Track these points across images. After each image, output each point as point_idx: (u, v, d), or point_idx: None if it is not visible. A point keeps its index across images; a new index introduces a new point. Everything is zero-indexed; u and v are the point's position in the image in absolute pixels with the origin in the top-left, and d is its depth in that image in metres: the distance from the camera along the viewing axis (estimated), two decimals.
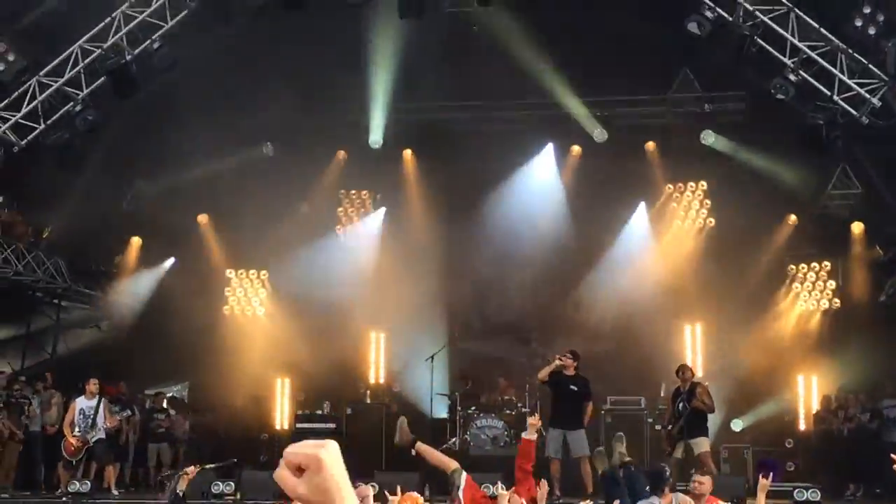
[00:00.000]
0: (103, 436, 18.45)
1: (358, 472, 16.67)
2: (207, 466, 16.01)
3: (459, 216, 22.49)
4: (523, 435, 12.49)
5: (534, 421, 12.29)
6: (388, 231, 23.54)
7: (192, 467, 13.54)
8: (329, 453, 2.04)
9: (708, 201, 22.83)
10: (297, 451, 2.03)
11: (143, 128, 19.87)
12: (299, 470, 2.05)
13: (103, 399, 18.71)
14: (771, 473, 10.99)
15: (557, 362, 17.85)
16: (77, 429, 18.32)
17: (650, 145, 22.53)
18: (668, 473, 12.94)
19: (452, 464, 11.19)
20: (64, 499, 17.53)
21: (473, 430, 20.83)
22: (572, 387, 17.86)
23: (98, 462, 18.83)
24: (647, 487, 12.74)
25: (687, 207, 22.96)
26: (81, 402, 18.53)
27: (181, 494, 12.73)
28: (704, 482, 13.09)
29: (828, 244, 22.08)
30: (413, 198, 23.23)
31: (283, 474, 2.06)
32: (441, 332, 22.33)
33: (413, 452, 12.90)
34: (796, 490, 17.08)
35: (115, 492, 18.33)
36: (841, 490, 18.76)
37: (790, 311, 22.33)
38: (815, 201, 21.44)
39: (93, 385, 18.58)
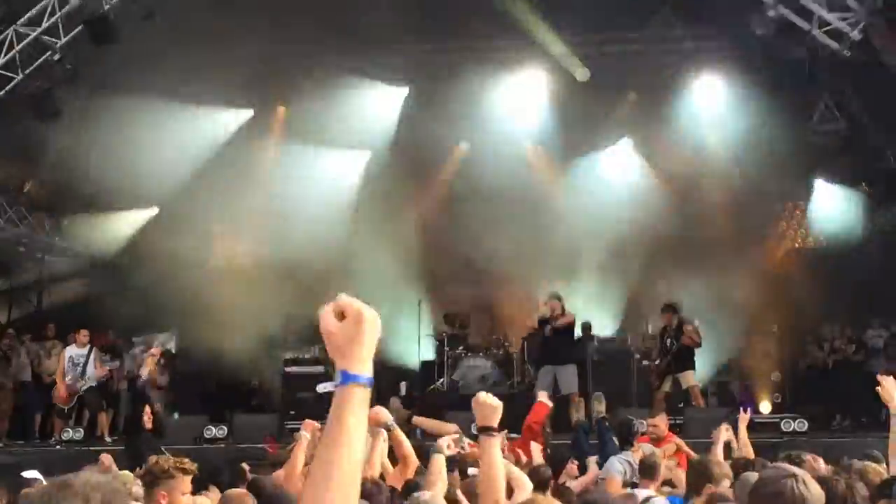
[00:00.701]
0: (94, 384, 18.55)
1: None
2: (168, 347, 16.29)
3: (442, 156, 22.44)
4: (539, 398, 12.42)
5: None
6: (374, 176, 23.45)
7: (155, 348, 13.66)
8: (372, 316, 2.61)
9: (691, 140, 22.76)
10: (349, 300, 2.61)
11: (121, 76, 19.68)
12: (342, 316, 2.58)
13: (94, 348, 18.77)
14: (748, 406, 11.20)
15: (543, 308, 18.00)
16: (68, 377, 18.41)
17: (631, 89, 22.38)
18: (635, 427, 13.07)
19: (451, 427, 11.07)
20: (57, 447, 17.62)
21: (462, 369, 20.94)
22: (560, 324, 18.04)
23: (90, 410, 18.94)
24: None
25: (668, 147, 22.88)
26: (71, 351, 18.64)
27: (147, 378, 12.79)
28: (658, 424, 13.27)
29: (812, 180, 22.07)
30: (398, 142, 23.12)
31: (326, 311, 2.60)
32: (429, 273, 22.33)
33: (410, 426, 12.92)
34: (783, 421, 17.25)
35: (107, 439, 18.43)
36: (827, 420, 18.96)
37: (776, 248, 22.41)
38: (798, 138, 21.35)
39: (83, 335, 18.67)
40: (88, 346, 18.70)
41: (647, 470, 9.48)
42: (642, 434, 14.73)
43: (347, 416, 2.51)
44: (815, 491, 3.93)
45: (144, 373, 12.92)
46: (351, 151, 23.62)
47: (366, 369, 2.56)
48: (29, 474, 8.74)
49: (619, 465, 11.97)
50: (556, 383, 17.81)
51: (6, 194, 20.88)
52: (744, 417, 10.74)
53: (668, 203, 22.00)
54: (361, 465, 2.48)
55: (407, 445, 8.12)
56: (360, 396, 2.54)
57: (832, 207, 22.10)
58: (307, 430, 8.72)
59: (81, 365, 18.57)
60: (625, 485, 11.93)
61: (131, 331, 22.80)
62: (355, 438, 2.50)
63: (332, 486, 2.44)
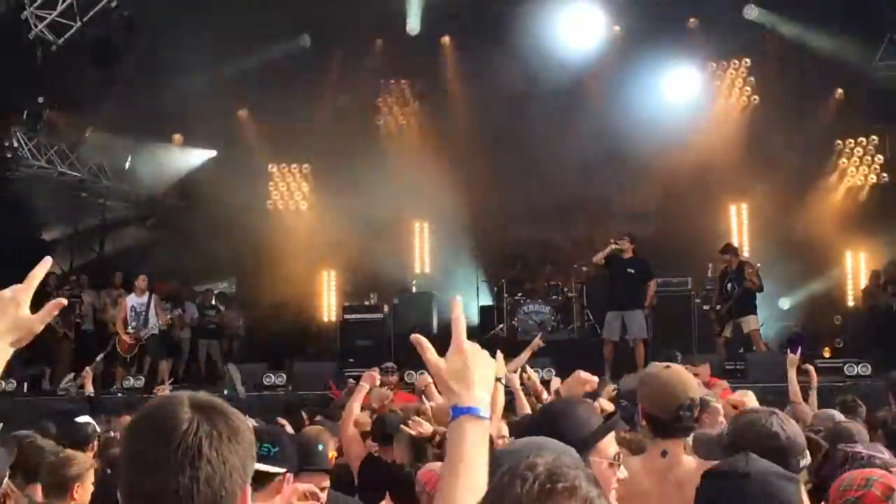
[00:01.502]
0: (156, 332, 18.72)
1: (407, 362, 16.87)
2: (96, 359, 16.44)
3: (500, 101, 22.25)
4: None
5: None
6: (429, 120, 23.35)
7: (87, 368, 13.88)
8: (473, 350, 2.72)
9: (752, 78, 22.43)
10: (456, 333, 2.76)
11: (179, 23, 19.67)
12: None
13: (153, 296, 18.91)
14: (798, 348, 10.83)
15: (614, 246, 17.91)
16: (129, 326, 18.58)
17: (692, 22, 22.04)
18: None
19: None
20: (119, 394, 17.82)
21: (520, 315, 20.92)
22: (629, 269, 17.97)
23: (152, 358, 19.13)
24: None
25: (731, 85, 22.58)
26: (132, 300, 18.78)
27: (91, 395, 13.03)
28: (699, 372, 13.08)
29: (877, 117, 21.64)
30: (453, 86, 22.98)
31: (426, 348, 2.77)
32: (486, 218, 22.24)
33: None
34: (846, 365, 17.07)
35: (168, 386, 18.61)
36: (891, 364, 18.69)
37: (838, 187, 22.07)
38: (863, 73, 20.92)
39: (142, 282, 18.80)
40: (148, 295, 18.83)
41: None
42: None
43: (464, 449, 2.60)
44: (791, 430, 4.25)
45: (88, 390, 13.15)
46: (406, 88, 23.51)
47: (475, 402, 2.64)
48: (82, 419, 8.85)
49: None
50: (625, 328, 17.84)
51: (67, 141, 20.99)
52: (792, 359, 10.44)
53: (731, 140, 21.69)
54: (473, 492, 2.50)
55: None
56: (474, 428, 2.62)
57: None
58: (367, 382, 8.72)
59: (143, 313, 18.71)
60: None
61: (192, 277, 22.98)
62: (474, 468, 2.58)
63: None
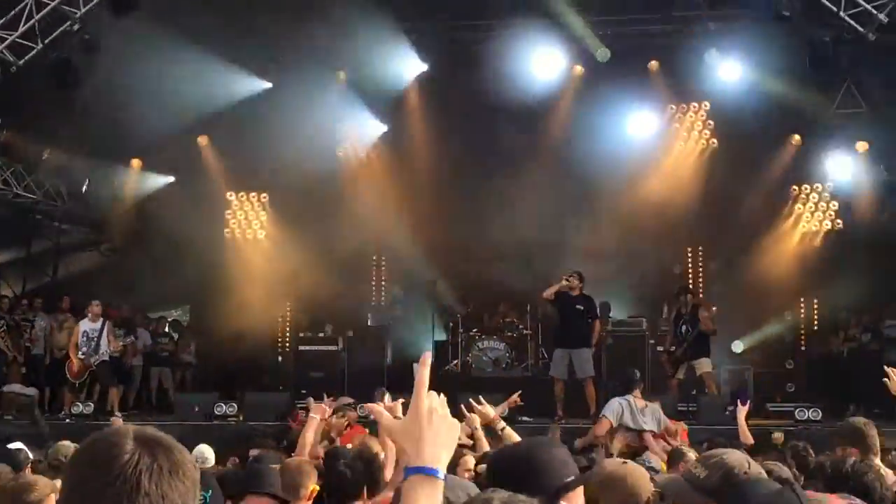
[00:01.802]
0: (107, 358, 18.55)
1: (360, 394, 16.80)
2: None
3: (459, 138, 22.31)
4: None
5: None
6: (388, 152, 23.32)
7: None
8: (437, 416, 2.71)
9: (711, 122, 22.57)
10: (419, 397, 2.73)
11: (141, 46, 19.61)
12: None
13: (107, 322, 18.76)
14: (747, 400, 11.49)
15: (564, 282, 17.97)
16: (80, 351, 18.41)
17: (653, 65, 22.18)
18: (637, 375, 13.23)
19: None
20: (67, 420, 17.63)
21: (475, 351, 20.92)
22: (578, 306, 18.05)
23: (102, 384, 18.96)
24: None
25: (690, 128, 22.72)
26: (85, 325, 18.63)
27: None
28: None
29: (831, 165, 21.85)
30: (414, 119, 22.98)
31: (378, 411, 2.90)
32: (441, 255, 22.24)
33: None
34: (798, 409, 17.19)
35: (117, 413, 18.42)
36: (841, 410, 18.80)
37: (793, 232, 22.23)
38: (820, 120, 21.12)
39: (95, 307, 18.65)
40: (101, 320, 18.69)
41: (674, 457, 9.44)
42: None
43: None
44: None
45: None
46: (369, 122, 23.41)
47: (427, 461, 2.64)
48: (14, 445, 8.79)
49: (617, 405, 12.14)
50: (571, 366, 17.89)
51: (24, 162, 20.84)
52: (742, 409, 10.85)
53: (689, 182, 21.79)
54: None
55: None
56: (424, 488, 2.61)
57: (852, 192, 21.87)
58: (317, 413, 8.68)
59: (95, 339, 18.55)
60: (620, 426, 12.11)
61: (146, 304, 22.81)
62: None
63: None
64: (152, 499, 2.28)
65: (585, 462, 6.16)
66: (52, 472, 8.20)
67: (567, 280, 18.08)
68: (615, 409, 12.54)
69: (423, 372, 2.76)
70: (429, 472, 2.61)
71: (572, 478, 3.79)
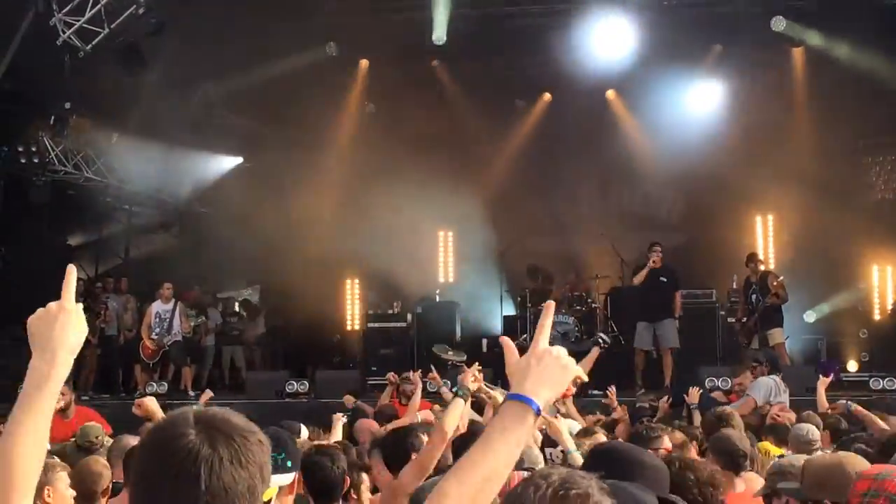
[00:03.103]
0: (180, 339, 18.80)
1: (429, 371, 16.83)
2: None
3: (524, 112, 22.25)
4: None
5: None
6: (455, 131, 23.29)
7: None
8: (542, 354, 2.89)
9: (779, 91, 22.24)
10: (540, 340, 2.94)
11: (207, 29, 19.72)
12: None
13: (179, 303, 18.99)
14: (831, 374, 11.28)
15: (651, 263, 17.93)
16: (153, 332, 18.66)
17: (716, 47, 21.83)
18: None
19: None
20: None
21: None
22: (661, 278, 18.09)
23: (175, 364, 19.19)
24: None
25: (758, 98, 22.40)
26: (157, 307, 18.89)
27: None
28: (743, 381, 13.26)
29: None
30: (477, 95, 22.90)
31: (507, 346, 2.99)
32: (509, 228, 22.20)
33: None
34: (872, 379, 16.99)
35: (191, 393, 18.64)
36: None
37: (865, 201, 21.90)
38: (893, 87, 20.73)
39: (167, 289, 18.93)
40: (173, 302, 18.95)
41: None
42: (728, 392, 14.64)
43: (495, 427, 2.72)
44: None
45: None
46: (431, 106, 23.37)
47: (528, 393, 2.77)
48: None
49: (766, 386, 12.01)
50: (656, 337, 17.97)
51: (94, 146, 21.06)
52: (823, 381, 10.73)
53: (758, 151, 21.52)
54: (500, 473, 2.64)
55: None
56: (513, 412, 2.73)
57: None
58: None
59: (168, 320, 18.81)
60: (765, 404, 11.93)
61: (216, 285, 23.00)
62: (496, 448, 2.66)
63: (466, 480, 2.61)
64: (213, 492, 2.31)
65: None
66: (81, 453, 8.31)
67: (654, 261, 18.08)
68: (764, 389, 12.38)
69: (546, 319, 3.01)
70: (525, 400, 2.73)
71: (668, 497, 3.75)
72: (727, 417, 8.84)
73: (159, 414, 6.76)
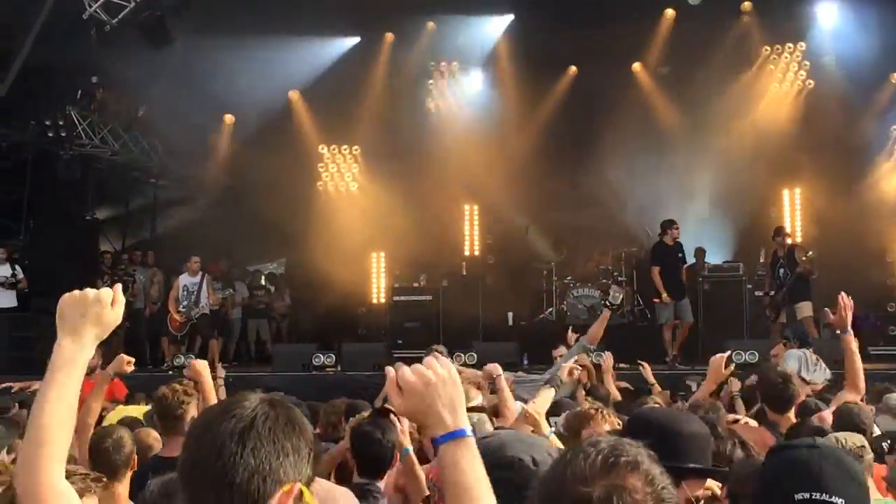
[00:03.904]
0: (207, 311, 18.90)
1: (455, 344, 16.91)
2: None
3: (549, 86, 22.20)
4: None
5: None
6: (479, 101, 23.27)
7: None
8: (434, 380, 2.66)
9: (807, 62, 22.11)
10: (405, 372, 2.64)
11: (231, 4, 19.73)
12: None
13: (206, 276, 19.10)
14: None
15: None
16: (181, 305, 18.77)
17: (746, 5, 21.79)
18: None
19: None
20: (170, 372, 17.94)
21: (570, 299, 20.86)
22: (679, 254, 18.32)
23: (202, 337, 19.29)
24: None
25: (785, 69, 22.28)
26: (185, 280, 19.02)
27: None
28: (777, 353, 13.13)
29: None
30: (503, 69, 22.87)
31: (390, 387, 2.69)
32: (534, 202, 22.16)
33: None
34: None
35: (218, 365, 18.72)
36: None
37: (892, 174, 21.75)
38: None
39: (194, 263, 19.05)
40: (201, 274, 19.06)
41: None
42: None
43: (456, 477, 2.57)
44: None
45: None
46: (458, 73, 23.37)
47: (446, 427, 2.62)
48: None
49: (794, 359, 11.92)
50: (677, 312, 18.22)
51: (120, 120, 21.14)
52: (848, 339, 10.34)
53: (785, 124, 21.41)
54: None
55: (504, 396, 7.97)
56: (455, 452, 2.60)
57: None
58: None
59: (195, 293, 18.93)
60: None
61: (242, 258, 23.08)
62: (470, 493, 2.56)
63: None
64: (263, 438, 2.42)
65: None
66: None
67: (675, 234, 18.36)
68: (795, 360, 12.31)
69: (391, 373, 2.69)
70: (453, 437, 2.60)
71: (706, 468, 3.72)
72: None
73: (207, 376, 6.97)
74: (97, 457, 5.98)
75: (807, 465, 2.94)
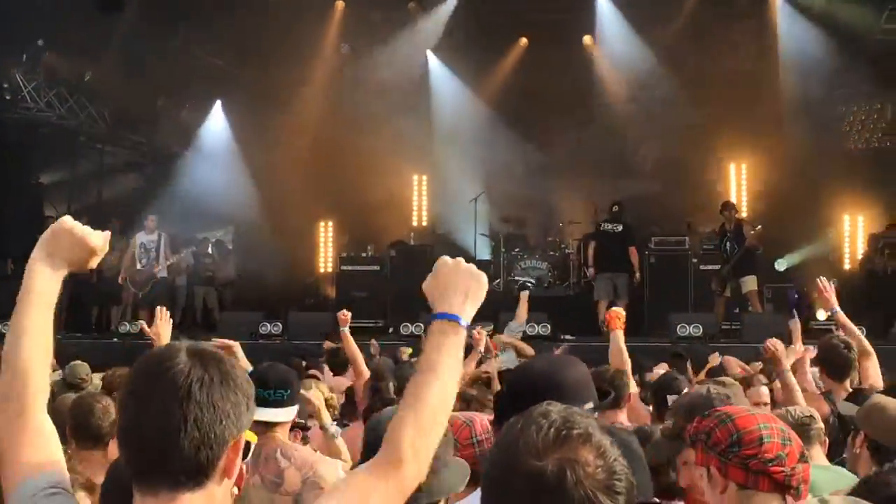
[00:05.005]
0: (165, 274, 18.90)
1: (402, 315, 16.94)
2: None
3: (500, 54, 22.20)
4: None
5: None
6: (427, 71, 23.20)
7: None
8: (462, 268, 3.01)
9: (756, 38, 22.20)
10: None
11: None
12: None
13: (163, 235, 19.09)
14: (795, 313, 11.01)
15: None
16: (140, 263, 18.75)
17: None
18: None
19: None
20: (115, 339, 17.85)
21: (518, 271, 20.94)
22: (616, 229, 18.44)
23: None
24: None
25: (735, 44, 22.34)
26: (142, 237, 19.04)
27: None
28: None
29: (880, 82, 21.48)
30: (453, 35, 22.77)
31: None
32: (483, 173, 22.17)
33: None
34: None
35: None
36: (885, 328, 18.73)
37: (838, 151, 21.94)
38: (867, 37, 20.74)
39: (151, 220, 19.09)
40: (157, 233, 19.06)
41: None
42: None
43: (432, 350, 2.84)
44: None
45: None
46: (409, 50, 23.26)
47: (447, 308, 2.90)
48: None
49: None
50: (615, 290, 18.27)
51: (66, 85, 20.90)
52: (796, 323, 10.46)
53: (733, 99, 21.50)
54: (449, 390, 2.81)
55: None
56: (442, 330, 2.87)
57: None
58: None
59: (154, 251, 18.93)
60: None
61: (190, 225, 22.92)
62: (439, 368, 2.81)
63: (422, 402, 2.77)
64: (202, 407, 2.41)
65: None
66: (69, 391, 8.33)
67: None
68: None
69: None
70: (450, 318, 2.87)
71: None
72: None
73: (164, 341, 6.87)
74: (83, 424, 5.90)
75: None
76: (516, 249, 21.49)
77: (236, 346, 6.96)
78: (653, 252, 20.09)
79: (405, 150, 21.43)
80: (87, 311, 20.53)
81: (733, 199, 20.98)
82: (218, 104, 23.25)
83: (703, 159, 21.54)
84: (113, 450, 5.83)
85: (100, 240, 3.04)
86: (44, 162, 22.81)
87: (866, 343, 7.97)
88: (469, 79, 22.45)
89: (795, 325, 9.42)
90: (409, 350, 12.59)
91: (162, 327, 6.96)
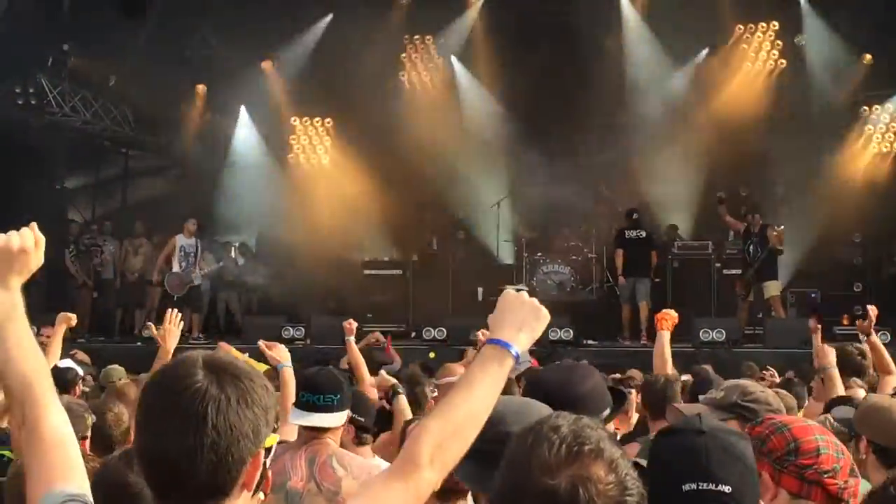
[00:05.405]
0: (199, 282, 18.99)
1: (425, 318, 16.95)
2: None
3: (523, 61, 22.16)
4: None
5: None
6: (452, 77, 23.20)
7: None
8: (521, 300, 3.06)
9: (779, 42, 22.14)
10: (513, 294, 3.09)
11: None
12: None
13: (199, 241, 19.25)
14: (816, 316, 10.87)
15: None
16: (177, 265, 18.87)
17: None
18: None
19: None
20: (138, 343, 17.91)
21: (540, 276, 20.92)
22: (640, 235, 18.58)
23: (190, 309, 19.26)
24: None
25: (758, 48, 22.27)
26: (182, 241, 19.15)
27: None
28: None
29: None
30: (477, 43, 22.78)
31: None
32: (506, 178, 22.16)
33: None
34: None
35: (196, 334, 18.84)
36: None
37: (862, 154, 21.83)
38: (892, 38, 20.62)
39: (191, 224, 19.26)
40: (195, 239, 19.29)
41: None
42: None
43: (476, 370, 2.87)
44: None
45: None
46: (430, 47, 23.26)
47: (503, 337, 2.93)
48: (63, 363, 8.94)
49: None
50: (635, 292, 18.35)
51: (91, 89, 20.98)
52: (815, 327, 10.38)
53: (756, 103, 21.40)
54: (480, 413, 2.82)
55: None
56: (492, 356, 2.89)
57: None
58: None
59: (193, 255, 19.06)
60: None
61: (213, 229, 23.02)
62: (479, 391, 2.83)
63: (449, 418, 2.78)
64: (219, 430, 2.39)
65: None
66: (101, 393, 8.37)
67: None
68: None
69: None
70: (503, 345, 2.90)
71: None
72: None
73: (170, 344, 6.93)
74: (93, 431, 5.88)
75: (694, 453, 2.85)
76: (538, 254, 21.45)
77: (281, 347, 6.86)
78: (676, 256, 20.06)
79: (426, 154, 21.40)
80: (112, 314, 20.61)
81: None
82: (242, 108, 23.28)
83: (727, 164, 21.43)
84: None
85: (27, 240, 2.95)
86: (68, 166, 22.94)
87: (892, 366, 8.05)
88: (493, 84, 22.40)
89: (816, 327, 9.45)
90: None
91: (170, 331, 6.94)
